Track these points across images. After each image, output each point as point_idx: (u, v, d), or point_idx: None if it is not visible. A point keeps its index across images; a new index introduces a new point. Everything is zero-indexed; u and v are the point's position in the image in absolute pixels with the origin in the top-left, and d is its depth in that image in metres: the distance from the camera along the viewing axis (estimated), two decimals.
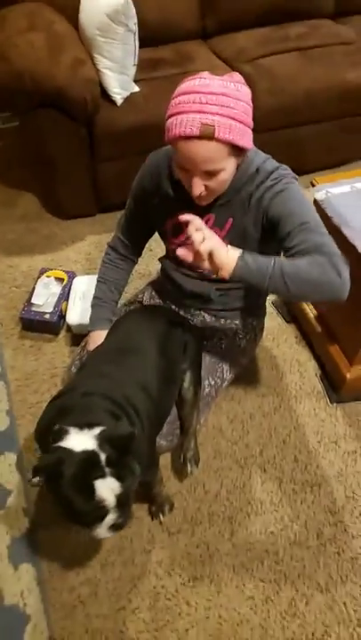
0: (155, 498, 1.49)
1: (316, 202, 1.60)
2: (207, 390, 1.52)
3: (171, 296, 1.58)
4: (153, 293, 1.67)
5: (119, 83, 2.03)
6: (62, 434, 1.03)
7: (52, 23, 2.01)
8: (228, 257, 1.13)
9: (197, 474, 1.60)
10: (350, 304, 1.62)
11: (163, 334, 1.40)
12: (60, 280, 2.04)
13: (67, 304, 1.96)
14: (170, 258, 1.52)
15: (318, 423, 1.75)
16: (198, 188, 1.17)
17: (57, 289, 2.01)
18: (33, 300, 1.94)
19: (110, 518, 1.02)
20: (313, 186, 1.63)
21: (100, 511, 1.00)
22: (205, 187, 1.18)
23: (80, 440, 1.01)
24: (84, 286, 1.97)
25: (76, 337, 1.95)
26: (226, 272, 1.14)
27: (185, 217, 1.16)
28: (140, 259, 1.62)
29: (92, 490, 0.98)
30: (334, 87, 2.26)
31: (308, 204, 1.25)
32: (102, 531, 1.04)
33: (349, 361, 1.71)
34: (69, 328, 1.96)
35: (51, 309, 1.93)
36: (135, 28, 1.97)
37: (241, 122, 1.10)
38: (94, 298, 1.54)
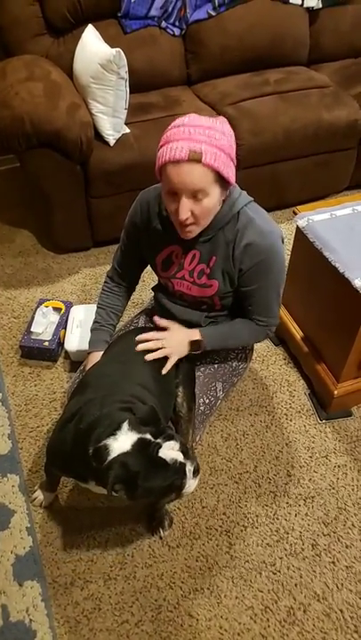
0: (155, 512, 1.55)
1: (298, 228, 1.73)
2: (202, 409, 1.59)
3: None
4: (147, 319, 1.76)
5: (112, 125, 2.18)
6: (104, 450, 1.12)
7: (49, 73, 2.17)
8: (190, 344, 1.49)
9: (195, 490, 1.66)
10: (335, 324, 1.73)
11: None
12: (57, 310, 2.13)
13: (65, 332, 2.04)
14: (161, 287, 1.62)
15: (309, 439, 1.82)
16: (185, 212, 1.23)
17: (55, 318, 2.10)
18: (32, 329, 2.02)
19: (189, 468, 1.15)
20: (295, 214, 1.75)
21: (180, 469, 1.13)
22: (192, 213, 1.25)
23: (121, 442, 1.12)
24: (82, 315, 2.05)
25: (73, 363, 2.02)
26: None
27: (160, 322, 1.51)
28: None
29: (163, 461, 1.11)
30: (311, 126, 2.43)
31: (276, 280, 1.43)
32: (191, 482, 1.17)
33: (336, 378, 1.80)
34: (67, 355, 2.04)
35: (49, 337, 2.01)
36: (126, 75, 2.12)
37: (225, 153, 1.19)
38: (94, 322, 1.63)
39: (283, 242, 1.40)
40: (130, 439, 1.12)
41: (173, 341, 1.47)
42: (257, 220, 1.35)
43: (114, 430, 1.13)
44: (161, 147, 1.21)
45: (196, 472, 1.19)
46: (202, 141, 1.16)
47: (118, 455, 1.10)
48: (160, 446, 1.12)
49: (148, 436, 1.13)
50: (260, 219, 1.36)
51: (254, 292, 1.43)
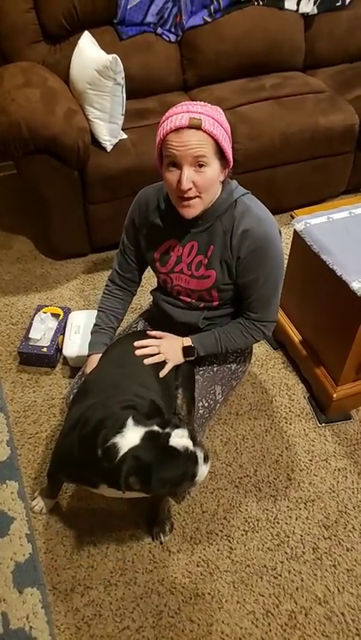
0: (157, 515, 1.54)
1: (296, 232, 1.73)
2: (201, 412, 1.59)
3: (162, 325, 1.67)
4: (146, 323, 1.76)
5: (109, 131, 2.19)
6: (113, 449, 1.12)
7: (45, 80, 2.18)
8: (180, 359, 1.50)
9: (195, 495, 1.66)
10: (333, 327, 1.74)
11: None
12: (56, 315, 2.12)
13: (63, 338, 2.04)
14: (160, 289, 1.62)
15: (309, 443, 1.82)
16: (188, 181, 1.25)
17: (53, 324, 2.09)
18: (30, 335, 2.02)
19: (200, 455, 1.15)
20: (292, 218, 1.76)
21: (192, 456, 1.13)
22: (194, 184, 1.26)
23: (130, 438, 1.11)
24: (80, 320, 2.05)
25: (72, 369, 2.02)
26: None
27: (152, 333, 1.52)
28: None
29: (174, 450, 1.11)
30: (307, 131, 2.44)
31: (275, 269, 1.42)
32: (203, 469, 1.16)
33: (335, 382, 1.80)
34: (66, 361, 2.04)
35: (48, 343, 2.01)
36: (123, 81, 2.13)
37: (223, 127, 1.25)
38: (94, 325, 1.63)
39: (280, 233, 1.41)
40: (138, 433, 1.12)
41: (168, 347, 1.50)
42: (254, 208, 1.38)
43: (119, 428, 1.13)
44: (161, 124, 1.26)
45: (206, 458, 1.19)
46: (200, 112, 1.22)
47: (129, 450, 1.10)
48: (170, 435, 1.13)
49: (156, 428, 1.13)
50: (256, 207, 1.39)
51: (252, 284, 1.42)
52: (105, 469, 1.13)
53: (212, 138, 1.23)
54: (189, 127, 1.21)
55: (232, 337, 1.52)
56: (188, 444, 1.14)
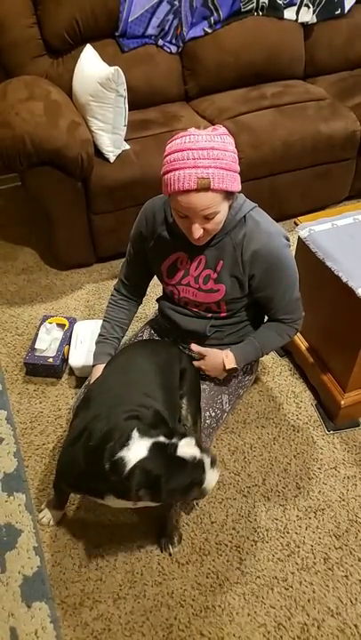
0: (166, 526, 1.53)
1: (300, 239, 1.73)
2: (208, 422, 1.58)
3: (168, 334, 1.67)
4: (151, 332, 1.76)
5: (112, 142, 2.20)
6: (121, 462, 1.11)
7: (48, 93, 2.20)
8: (225, 370, 1.54)
9: (203, 505, 1.64)
10: (340, 333, 1.73)
11: (160, 361, 1.48)
12: (61, 326, 2.12)
13: (69, 348, 2.04)
14: (166, 298, 1.62)
15: (317, 451, 1.80)
16: (198, 232, 1.28)
17: (59, 334, 2.09)
18: (36, 346, 2.02)
19: (207, 462, 1.15)
20: (296, 225, 1.76)
21: (200, 465, 1.13)
22: (203, 229, 1.28)
23: (136, 450, 1.11)
24: (85, 330, 2.05)
25: (78, 379, 2.01)
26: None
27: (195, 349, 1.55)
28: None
29: (182, 460, 1.11)
30: (309, 139, 2.45)
31: (291, 278, 1.45)
32: (210, 475, 1.17)
33: (343, 388, 1.78)
34: (72, 371, 2.03)
35: (53, 354, 2.01)
36: (125, 92, 2.15)
37: (231, 170, 1.21)
38: (99, 335, 1.63)
39: (288, 240, 1.42)
40: (144, 445, 1.12)
41: (209, 364, 1.56)
42: (263, 223, 1.38)
43: (125, 441, 1.12)
44: (166, 172, 1.22)
45: (213, 463, 1.19)
46: (207, 166, 1.17)
47: (137, 463, 1.10)
48: (177, 445, 1.13)
49: (162, 439, 1.13)
50: (265, 222, 1.39)
51: (272, 297, 1.45)
52: (113, 482, 1.12)
53: (222, 190, 1.22)
54: (198, 190, 1.18)
55: (270, 341, 1.56)
56: (196, 452, 1.14)
